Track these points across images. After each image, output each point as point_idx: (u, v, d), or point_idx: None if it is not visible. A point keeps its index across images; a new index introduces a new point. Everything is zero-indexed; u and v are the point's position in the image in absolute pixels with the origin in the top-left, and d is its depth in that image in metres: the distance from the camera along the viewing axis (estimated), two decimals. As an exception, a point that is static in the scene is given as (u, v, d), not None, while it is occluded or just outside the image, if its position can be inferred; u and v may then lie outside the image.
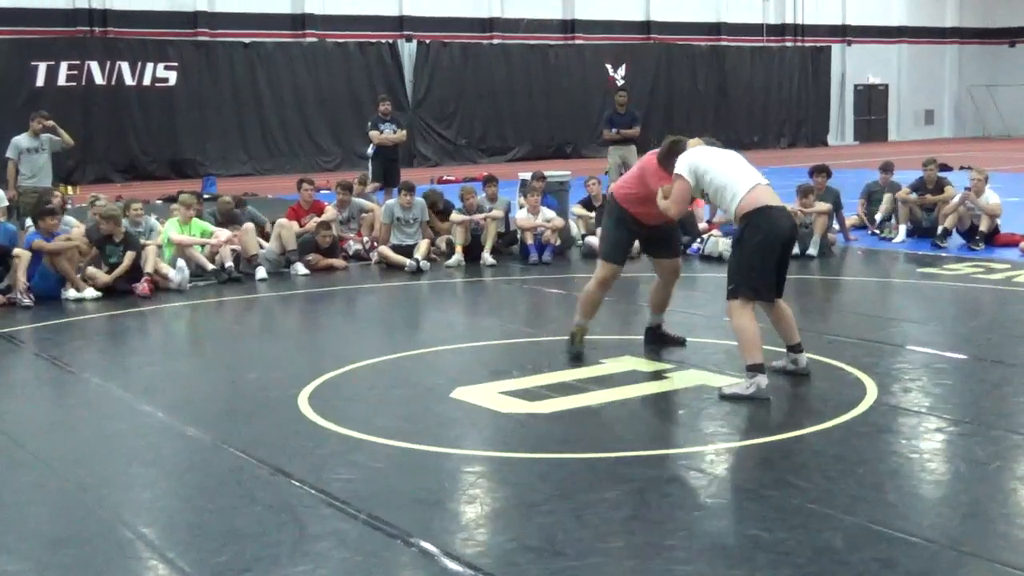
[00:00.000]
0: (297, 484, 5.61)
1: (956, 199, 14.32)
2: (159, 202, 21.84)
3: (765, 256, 7.05)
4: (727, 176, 7.25)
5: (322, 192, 15.05)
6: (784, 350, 7.52)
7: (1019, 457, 5.88)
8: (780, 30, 43.91)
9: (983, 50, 49.82)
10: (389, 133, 18.22)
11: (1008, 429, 6.32)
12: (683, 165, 7.38)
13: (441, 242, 14.09)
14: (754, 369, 6.88)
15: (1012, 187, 19.72)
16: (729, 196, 7.20)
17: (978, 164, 16.48)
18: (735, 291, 7.09)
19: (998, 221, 14.29)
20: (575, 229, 15.08)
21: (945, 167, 23.42)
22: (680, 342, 8.58)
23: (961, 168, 24.75)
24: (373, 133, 18.23)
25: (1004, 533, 4.79)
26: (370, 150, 18.64)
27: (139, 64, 30.13)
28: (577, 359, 8.16)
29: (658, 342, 8.58)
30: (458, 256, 13.57)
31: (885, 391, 7.11)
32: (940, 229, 14.23)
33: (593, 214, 14.81)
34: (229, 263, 12.54)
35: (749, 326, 7.00)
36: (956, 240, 14.21)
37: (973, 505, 5.16)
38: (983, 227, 14.07)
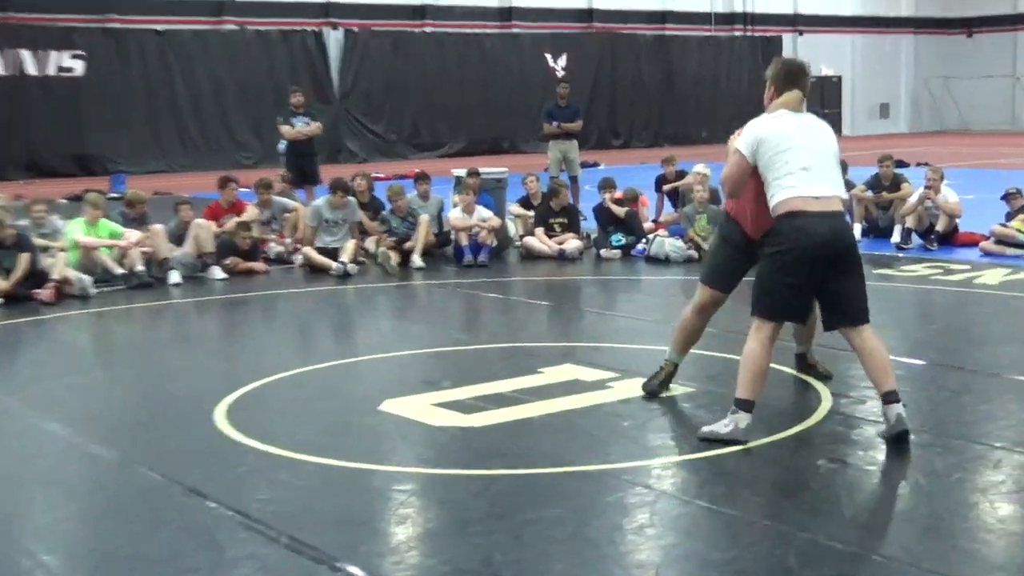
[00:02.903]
0: (213, 505, 5.53)
1: (915, 198, 14.53)
2: (64, 201, 21.56)
3: (786, 271, 6.17)
4: (786, 163, 6.27)
5: (241, 191, 14.95)
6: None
7: (980, 468, 5.94)
8: (729, 19, 44.33)
9: (940, 40, 50.65)
10: (301, 127, 18.10)
11: (969, 439, 6.39)
12: (746, 135, 6.49)
13: (370, 243, 14.03)
14: (739, 405, 6.24)
15: (970, 183, 20.02)
16: (771, 193, 6.32)
17: (936, 160, 16.76)
18: (753, 308, 6.38)
19: (957, 221, 14.51)
20: (512, 229, 15.10)
21: (901, 163, 23.80)
22: (827, 376, 7.63)
23: (918, 164, 25.10)
24: (284, 128, 18.12)
25: (966, 549, 4.83)
26: (281, 146, 18.55)
27: (42, 52, 29.72)
28: (651, 396, 7.29)
29: (804, 371, 7.72)
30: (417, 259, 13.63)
31: (840, 400, 7.16)
32: (900, 230, 14.42)
33: (532, 213, 14.86)
34: (140, 267, 12.40)
35: (754, 352, 6.25)
36: (914, 240, 14.39)
37: (933, 519, 5.20)
38: (940, 227, 14.29)
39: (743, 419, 6.19)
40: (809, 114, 6.56)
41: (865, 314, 6.32)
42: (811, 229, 6.12)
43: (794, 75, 6.59)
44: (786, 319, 6.48)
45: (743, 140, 6.45)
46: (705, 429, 6.29)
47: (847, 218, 6.38)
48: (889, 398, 6.19)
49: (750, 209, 6.68)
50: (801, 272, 6.17)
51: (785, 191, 6.20)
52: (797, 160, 6.24)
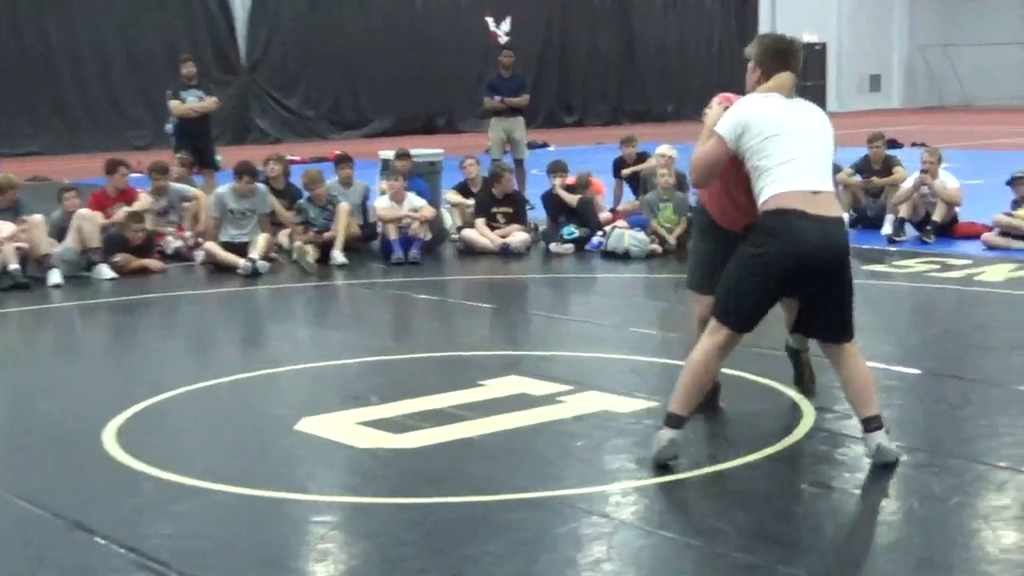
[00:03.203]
0: (102, 542, 5.51)
1: (910, 183, 14.67)
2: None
3: (767, 277, 6.06)
4: (780, 151, 6.12)
5: (133, 176, 14.85)
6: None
7: (982, 491, 6.03)
8: (697, -23, 44.55)
9: (939, 3, 51.17)
10: (194, 102, 18.03)
11: (969, 458, 6.49)
12: (728, 118, 6.26)
13: (283, 237, 13.97)
14: (668, 421, 6.27)
15: (972, 167, 20.27)
16: (760, 185, 6.16)
17: (933, 140, 16.95)
18: (716, 308, 6.31)
19: (957, 209, 14.68)
20: (449, 220, 15.11)
21: (894, 143, 24.06)
22: (810, 382, 7.65)
23: (913, 145, 25.39)
24: (174, 103, 18.02)
25: (962, 581, 4.93)
26: (170, 126, 18.45)
27: None
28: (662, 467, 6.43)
29: (797, 370, 7.70)
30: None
31: (824, 415, 7.23)
32: (892, 220, 14.57)
33: (471, 202, 14.86)
34: (14, 265, 12.28)
35: (700, 361, 6.25)
36: (908, 231, 14.55)
37: (929, 550, 5.29)
38: (938, 216, 14.42)
39: (665, 435, 6.19)
40: (804, 100, 6.43)
41: (850, 331, 6.25)
42: (805, 234, 5.97)
43: (784, 54, 6.44)
44: (749, 329, 6.24)
45: (726, 122, 6.23)
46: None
47: (846, 224, 6.32)
48: (870, 424, 6.15)
49: (717, 197, 6.73)
50: (783, 280, 6.10)
51: (779, 184, 6.04)
52: (792, 148, 6.10)
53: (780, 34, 6.77)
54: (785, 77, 6.35)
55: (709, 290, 6.65)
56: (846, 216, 14.95)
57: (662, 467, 6.16)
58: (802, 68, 6.48)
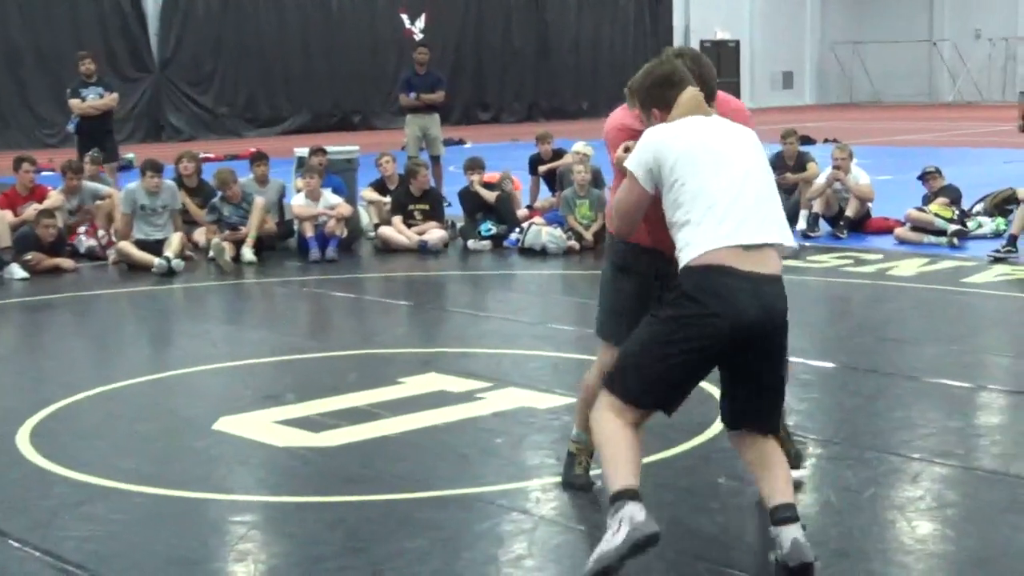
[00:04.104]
0: (16, 545, 5.44)
1: (823, 179, 14.83)
2: None
3: (687, 346, 4.81)
4: (696, 200, 4.88)
5: (44, 174, 14.69)
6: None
7: (896, 483, 6.11)
8: (611, -26, 44.74)
9: (848, 3, 51.74)
10: (94, 99, 17.91)
11: (884, 450, 6.57)
12: (638, 152, 5.05)
13: (199, 236, 13.87)
14: (619, 497, 4.75)
15: (883, 163, 20.53)
16: (682, 235, 4.91)
17: (844, 136, 17.14)
18: (607, 379, 5.10)
19: (869, 205, 14.86)
20: (366, 218, 15.10)
21: (807, 140, 24.32)
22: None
23: (825, 141, 25.66)
24: (73, 102, 17.92)
25: (881, 573, 4.98)
26: (71, 125, 18.33)
27: None
28: (570, 488, 6.09)
29: None
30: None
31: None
32: (806, 215, 14.71)
33: (388, 199, 14.85)
34: (-77, 265, 12.13)
35: (612, 433, 4.91)
36: (822, 227, 14.70)
37: (845, 540, 5.35)
38: (851, 212, 14.61)
39: (635, 511, 4.67)
40: (721, 119, 5.16)
41: (771, 423, 5.03)
42: (737, 299, 4.76)
43: (670, 79, 5.17)
44: (656, 408, 5.01)
45: (636, 157, 5.03)
46: (591, 562, 4.69)
47: (783, 286, 4.95)
48: (782, 515, 4.86)
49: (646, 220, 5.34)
50: (705, 354, 4.86)
51: (703, 239, 4.83)
52: (717, 189, 4.87)
53: (657, 61, 5.33)
54: (688, 95, 5.10)
55: (623, 339, 5.33)
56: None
57: (647, 542, 4.65)
58: (717, 65, 5.34)
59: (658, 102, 5.15)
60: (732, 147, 5.00)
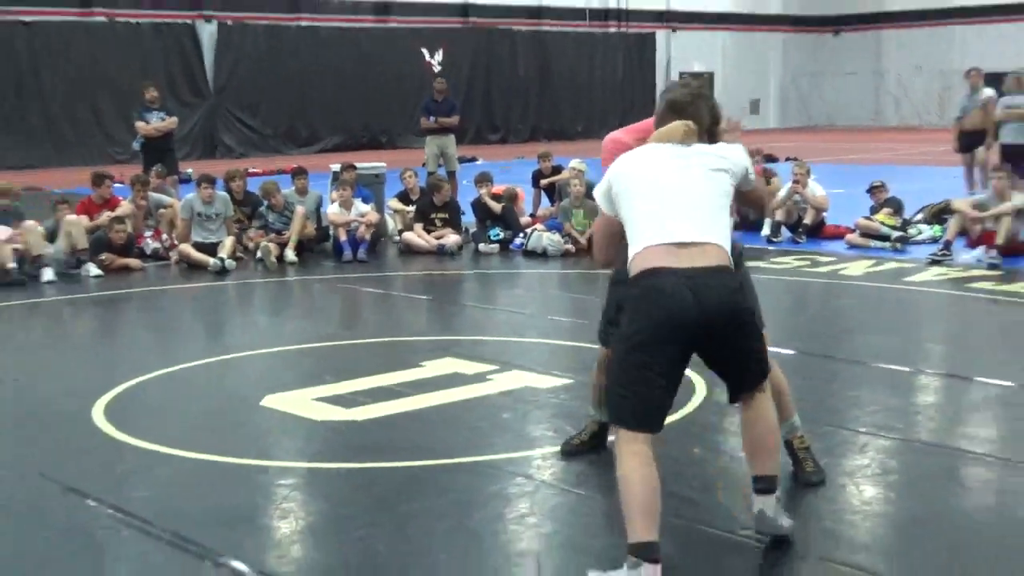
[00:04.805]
0: (93, 504, 5.47)
1: (784, 192, 14.84)
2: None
3: (643, 357, 4.40)
4: (639, 210, 4.58)
5: (115, 185, 14.73)
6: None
7: (848, 453, 6.13)
8: (603, 15, 44.66)
9: (807, 38, 51.67)
10: (157, 122, 17.95)
11: (837, 425, 6.59)
12: (602, 181, 4.83)
13: (251, 241, 13.89)
14: (637, 552, 4.27)
15: (837, 178, 20.51)
16: (630, 254, 4.58)
17: (803, 155, 17.12)
18: (611, 416, 4.72)
19: (824, 214, 14.88)
20: (391, 224, 15.10)
21: (771, 158, 24.33)
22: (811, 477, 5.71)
23: (787, 159, 25.57)
24: (139, 124, 17.95)
25: (832, 530, 5.00)
26: (136, 143, 18.37)
27: (-97, 44, 28.83)
28: (568, 456, 6.13)
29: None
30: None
31: (714, 389, 7.23)
32: (770, 223, 14.72)
33: (410, 208, 14.88)
34: (11, 264, 12.13)
35: (632, 476, 4.37)
36: (784, 233, 14.69)
37: (802, 503, 5.36)
38: (808, 220, 14.63)
39: (650, 572, 4.24)
40: (703, 146, 4.74)
41: (763, 376, 4.73)
42: (669, 292, 4.34)
43: (678, 106, 4.85)
44: (648, 427, 4.48)
45: (599, 186, 4.82)
46: None
47: (731, 274, 4.53)
48: (760, 484, 4.68)
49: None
50: (662, 359, 4.40)
51: (638, 242, 4.52)
52: (656, 200, 4.54)
53: (681, 85, 5.10)
54: (675, 126, 4.73)
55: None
56: (730, 220, 15.23)
57: None
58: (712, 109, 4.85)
59: (661, 122, 4.85)
60: (677, 172, 4.59)
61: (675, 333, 4.36)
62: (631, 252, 4.54)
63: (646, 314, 4.38)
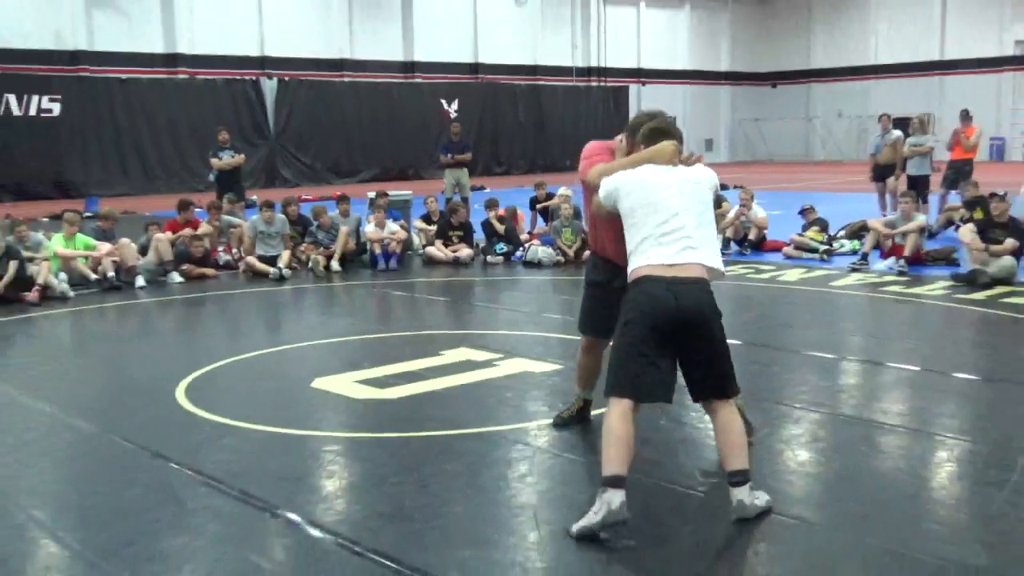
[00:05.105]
0: (175, 466, 5.45)
1: (732, 213, 14.82)
2: (45, 219, 20.96)
3: (636, 340, 4.55)
4: (640, 228, 4.74)
5: (196, 210, 14.77)
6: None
7: (785, 424, 6.10)
8: (587, 72, 44.77)
9: (751, 90, 51.71)
10: (228, 159, 18.00)
11: (775, 401, 6.57)
12: (609, 180, 4.90)
13: (303, 254, 13.87)
14: (606, 483, 4.39)
15: (775, 202, 20.48)
16: (630, 260, 4.78)
17: (748, 183, 17.08)
18: (606, 389, 4.66)
19: (765, 231, 14.85)
20: (416, 240, 15.10)
21: (723, 186, 24.24)
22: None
23: (735, 187, 25.55)
24: (213, 160, 18.05)
25: (770, 487, 4.96)
26: (211, 176, 18.46)
27: (25, 96, 28.87)
28: (559, 427, 6.07)
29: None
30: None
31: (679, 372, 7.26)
32: (721, 238, 14.68)
33: (432, 227, 14.88)
34: (110, 273, 12.15)
35: (612, 424, 4.50)
36: (732, 247, 14.68)
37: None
38: (752, 236, 14.61)
39: (614, 497, 4.35)
40: (686, 168, 4.88)
41: (725, 388, 4.69)
42: (654, 294, 4.56)
43: (663, 131, 4.98)
44: (640, 396, 4.57)
45: (606, 184, 4.90)
46: (575, 528, 4.41)
47: (707, 288, 4.70)
48: (734, 479, 4.59)
49: (609, 240, 5.38)
50: (650, 341, 4.54)
51: (638, 259, 4.71)
52: (653, 222, 4.69)
53: (654, 114, 5.16)
54: (666, 145, 4.88)
55: (588, 331, 5.74)
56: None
57: (617, 524, 4.36)
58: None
59: (648, 141, 4.92)
60: (671, 192, 4.72)
61: (659, 320, 4.53)
62: (632, 261, 4.73)
63: (638, 306, 4.59)
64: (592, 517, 4.36)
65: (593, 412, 6.13)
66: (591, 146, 5.48)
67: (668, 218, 4.68)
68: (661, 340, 4.55)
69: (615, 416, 4.51)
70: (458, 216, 14.58)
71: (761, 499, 4.65)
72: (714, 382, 4.66)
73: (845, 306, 10.71)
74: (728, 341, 4.80)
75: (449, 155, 18.69)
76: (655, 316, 4.53)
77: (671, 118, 5.21)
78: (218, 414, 6.45)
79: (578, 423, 6.09)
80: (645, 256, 4.67)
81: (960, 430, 5.93)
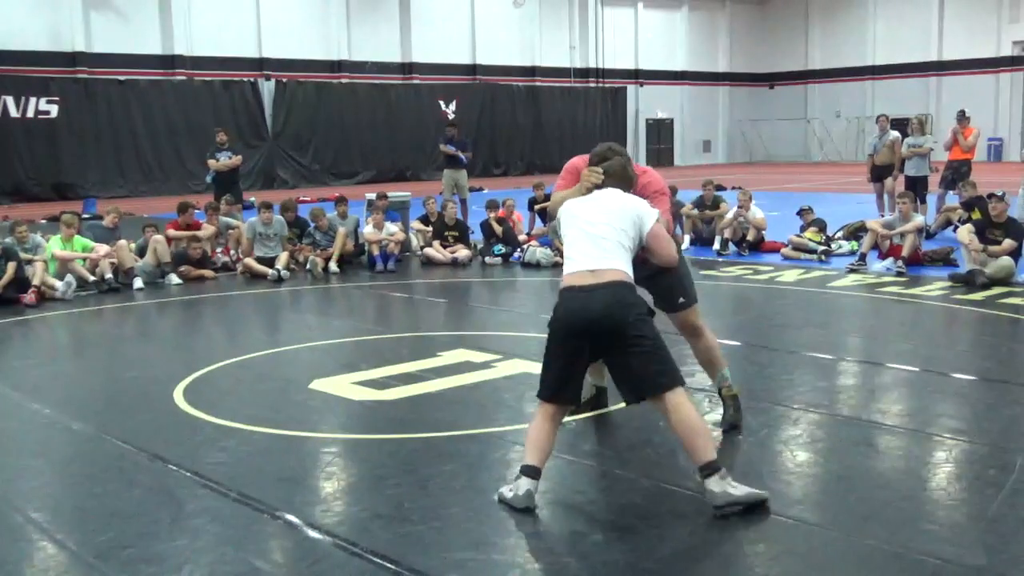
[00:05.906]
0: (174, 468, 5.45)
1: (731, 214, 14.82)
2: (43, 221, 20.95)
3: (552, 347, 4.86)
4: (567, 242, 5.06)
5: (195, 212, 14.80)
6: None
7: (783, 425, 6.10)
8: (585, 73, 44.75)
9: (748, 91, 51.73)
10: (225, 160, 18.02)
11: (773, 402, 6.56)
12: (560, 208, 5.30)
13: (300, 254, 13.87)
14: (521, 470, 4.81)
15: (773, 203, 20.50)
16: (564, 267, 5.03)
17: (746, 184, 17.11)
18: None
19: (763, 232, 14.86)
20: (414, 242, 15.09)
21: (720, 187, 24.17)
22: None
23: (733, 188, 25.55)
24: (211, 161, 18.10)
25: (772, 488, 4.94)
26: (209, 176, 18.47)
27: (23, 98, 28.86)
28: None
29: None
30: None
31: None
32: (719, 239, 14.71)
33: (430, 228, 14.87)
34: (108, 275, 12.14)
35: (532, 426, 4.91)
36: (731, 248, 14.68)
37: (747, 465, 5.35)
38: (751, 237, 14.61)
39: (523, 485, 4.73)
40: (612, 191, 5.15)
41: (654, 385, 4.71)
42: (567, 303, 4.80)
43: (599, 158, 5.33)
44: (553, 399, 4.85)
45: (560, 213, 5.25)
46: (497, 494, 4.87)
47: (622, 293, 4.77)
48: (702, 473, 4.65)
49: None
50: (563, 348, 4.79)
51: (565, 267, 4.98)
52: (576, 236, 4.99)
53: (609, 145, 5.44)
54: (582, 176, 5.32)
55: None
56: (687, 237, 15.24)
57: (512, 507, 4.74)
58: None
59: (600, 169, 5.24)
60: (598, 208, 5.01)
61: (573, 329, 4.76)
62: (564, 271, 4.99)
63: (557, 314, 4.85)
64: (506, 494, 4.82)
65: (612, 407, 6.13)
66: (566, 165, 5.71)
67: (586, 232, 4.95)
68: (573, 349, 4.79)
69: (540, 417, 4.89)
70: (448, 213, 14.64)
71: (739, 489, 4.62)
72: (643, 381, 4.74)
73: (843, 307, 10.71)
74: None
75: (452, 147, 18.64)
76: (567, 323, 4.78)
77: (620, 148, 5.42)
78: (216, 416, 6.44)
79: (591, 410, 6.21)
80: (568, 264, 4.94)
81: (958, 430, 5.93)
